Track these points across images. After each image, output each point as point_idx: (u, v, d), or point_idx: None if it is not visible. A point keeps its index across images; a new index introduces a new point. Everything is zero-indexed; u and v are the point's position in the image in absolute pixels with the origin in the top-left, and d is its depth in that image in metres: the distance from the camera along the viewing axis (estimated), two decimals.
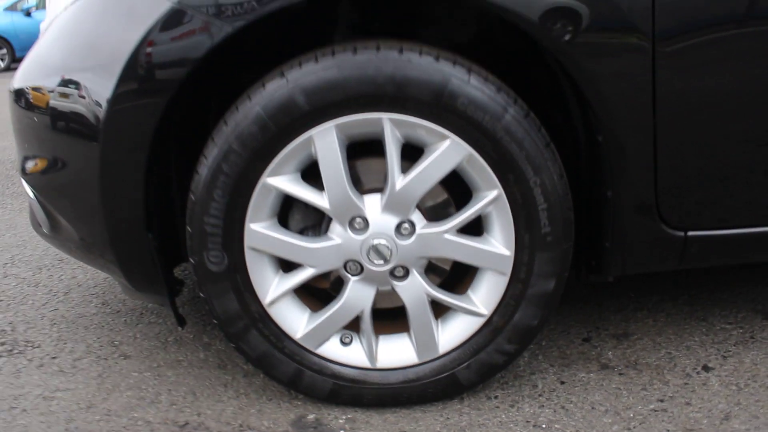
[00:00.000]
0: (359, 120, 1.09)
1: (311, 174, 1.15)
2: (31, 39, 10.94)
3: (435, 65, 1.07)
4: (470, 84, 1.08)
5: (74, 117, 1.17)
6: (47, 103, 1.21)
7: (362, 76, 1.07)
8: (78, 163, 1.20)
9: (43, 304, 1.82)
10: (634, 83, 1.09)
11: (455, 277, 1.29)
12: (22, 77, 1.28)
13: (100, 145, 1.13)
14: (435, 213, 1.21)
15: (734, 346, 1.42)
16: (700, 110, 1.12)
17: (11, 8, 11.52)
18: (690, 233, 1.19)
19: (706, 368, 1.34)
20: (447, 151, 1.10)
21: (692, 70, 1.10)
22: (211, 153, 1.11)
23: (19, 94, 1.29)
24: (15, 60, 11.38)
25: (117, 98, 1.09)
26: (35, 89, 1.25)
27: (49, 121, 1.22)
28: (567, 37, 1.06)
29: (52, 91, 1.20)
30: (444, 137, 1.10)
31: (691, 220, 1.19)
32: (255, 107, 1.09)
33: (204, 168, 1.12)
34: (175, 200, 1.33)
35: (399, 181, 1.12)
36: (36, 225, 1.47)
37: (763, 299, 1.61)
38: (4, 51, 11.13)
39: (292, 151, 1.11)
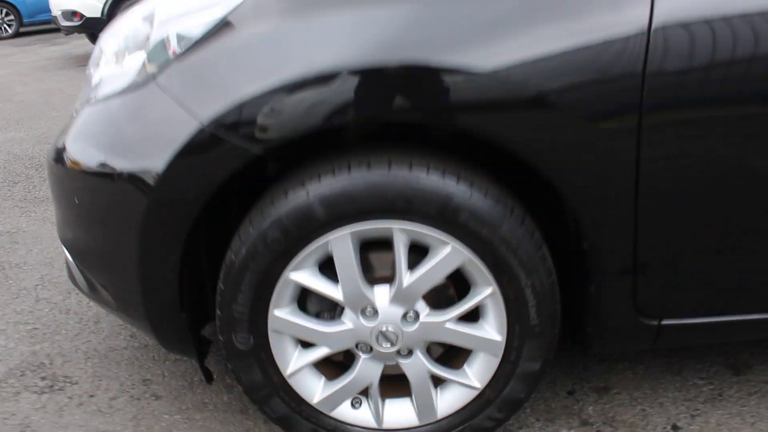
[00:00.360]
0: (372, 228, 1.23)
1: (327, 263, 1.30)
2: (38, 5, 10.80)
3: (441, 183, 1.20)
4: (471, 199, 1.21)
5: (117, 192, 1.30)
6: (92, 174, 1.32)
7: (375, 192, 1.20)
8: (118, 234, 1.33)
9: (76, 335, 1.99)
10: (614, 197, 1.22)
11: (454, 348, 1.44)
12: (74, 145, 1.37)
13: (141, 221, 1.27)
14: (436, 297, 1.36)
15: (703, 404, 1.58)
16: (677, 215, 1.25)
17: None
18: (663, 322, 1.34)
19: (675, 428, 1.51)
20: (449, 256, 1.24)
21: (678, 179, 1.21)
22: (239, 251, 1.26)
23: (64, 160, 1.39)
24: (22, 25, 11.25)
25: (166, 177, 1.22)
26: (80, 160, 1.35)
27: (93, 193, 1.35)
28: (542, 153, 1.18)
29: (99, 164, 1.31)
30: (447, 243, 1.24)
31: (665, 312, 1.33)
32: (279, 215, 1.22)
33: (232, 263, 1.27)
34: (203, 269, 1.48)
35: (406, 279, 1.27)
36: (74, 282, 1.63)
37: (735, 353, 1.77)
38: (12, 17, 10.96)
39: (311, 252, 1.25)
